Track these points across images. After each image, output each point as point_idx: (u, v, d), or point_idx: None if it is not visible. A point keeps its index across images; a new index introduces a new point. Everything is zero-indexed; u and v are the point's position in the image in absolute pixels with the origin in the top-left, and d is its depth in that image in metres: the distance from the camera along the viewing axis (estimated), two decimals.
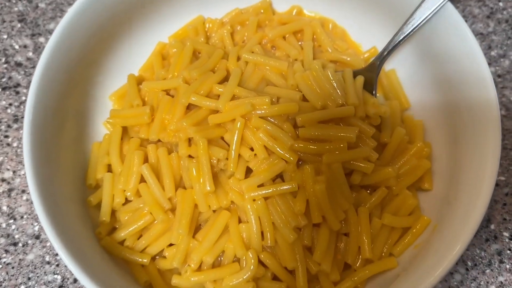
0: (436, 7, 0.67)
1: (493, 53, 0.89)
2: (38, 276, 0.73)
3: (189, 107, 0.71)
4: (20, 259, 0.74)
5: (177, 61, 0.75)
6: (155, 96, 0.73)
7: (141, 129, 0.72)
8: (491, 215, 0.77)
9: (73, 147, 0.73)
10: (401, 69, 0.79)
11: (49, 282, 0.73)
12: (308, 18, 0.83)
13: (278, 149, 0.65)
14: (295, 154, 0.66)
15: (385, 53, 0.73)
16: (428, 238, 0.65)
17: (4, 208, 0.77)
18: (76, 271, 0.56)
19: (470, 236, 0.58)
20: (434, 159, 0.72)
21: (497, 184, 0.79)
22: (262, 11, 0.83)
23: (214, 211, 0.68)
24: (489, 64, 0.87)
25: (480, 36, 0.90)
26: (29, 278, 0.73)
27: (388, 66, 0.80)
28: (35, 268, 0.74)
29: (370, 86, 0.74)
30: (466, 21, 0.89)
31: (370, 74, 0.74)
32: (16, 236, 0.75)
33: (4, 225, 0.76)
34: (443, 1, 0.67)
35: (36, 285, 0.73)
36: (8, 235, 0.75)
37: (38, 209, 0.59)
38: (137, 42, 0.81)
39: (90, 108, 0.77)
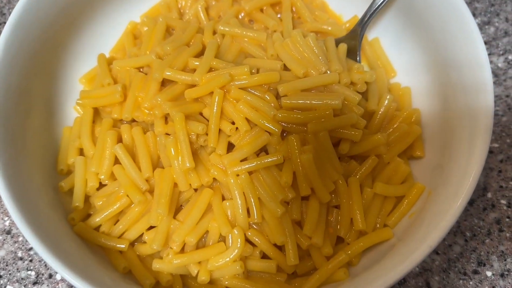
0: None
1: (477, 20, 0.86)
2: (10, 273, 0.68)
3: (164, 83, 0.67)
4: None
5: (150, 38, 0.71)
6: (127, 74, 0.69)
7: (113, 109, 0.67)
8: (487, 183, 0.73)
9: (42, 133, 0.68)
10: (385, 36, 0.76)
11: (22, 279, 0.68)
12: None
13: (260, 120, 0.61)
14: (279, 124, 0.62)
15: (367, 17, 0.70)
16: (423, 206, 0.62)
17: None
18: (52, 263, 0.52)
19: (465, 199, 0.54)
20: (424, 126, 0.69)
21: (491, 151, 0.76)
22: None
23: (195, 190, 0.63)
24: None
25: None
26: (0, 276, 0.68)
27: (371, 34, 0.77)
28: (6, 265, 0.68)
29: (353, 54, 0.71)
30: None
31: (353, 41, 0.71)
32: None
33: None
34: None
35: (8, 283, 0.67)
36: None
37: (6, 199, 0.55)
38: (108, 22, 0.77)
39: (59, 92, 0.73)
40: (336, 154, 0.63)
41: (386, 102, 0.67)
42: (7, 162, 0.58)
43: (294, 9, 0.77)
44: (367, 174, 0.64)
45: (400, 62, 0.74)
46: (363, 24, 0.70)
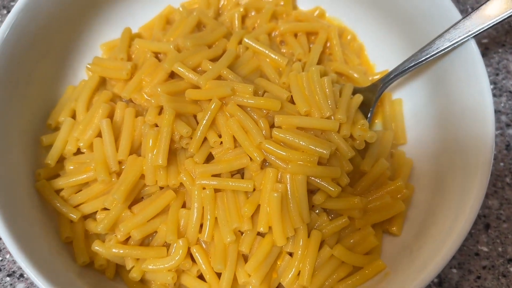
0: (457, 41, 0.61)
1: None
2: None
3: (174, 76, 0.67)
4: None
5: (177, 28, 0.71)
6: (142, 55, 0.69)
7: (117, 84, 0.68)
8: (460, 285, 0.69)
9: (47, 83, 0.70)
10: (409, 101, 0.72)
11: None
12: (327, 22, 0.77)
13: (246, 143, 0.60)
14: (262, 153, 0.60)
15: (391, 76, 0.67)
16: (376, 284, 0.59)
17: None
18: None
19: None
20: (412, 204, 0.66)
21: (477, 254, 0.71)
22: (282, 3, 0.78)
23: (161, 188, 0.63)
24: (509, 126, 0.79)
25: (508, 94, 0.82)
26: None
27: (396, 95, 0.74)
28: None
29: (367, 107, 0.68)
30: (497, 74, 0.82)
31: (371, 95, 0.68)
32: None
33: None
34: (466, 37, 0.60)
35: None
36: None
37: None
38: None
39: (78, 51, 0.74)
40: (310, 202, 0.61)
41: (380, 167, 0.64)
42: (2, 98, 0.60)
43: (328, 44, 0.75)
44: (334, 232, 0.62)
45: (414, 132, 0.71)
46: (385, 82, 0.67)
